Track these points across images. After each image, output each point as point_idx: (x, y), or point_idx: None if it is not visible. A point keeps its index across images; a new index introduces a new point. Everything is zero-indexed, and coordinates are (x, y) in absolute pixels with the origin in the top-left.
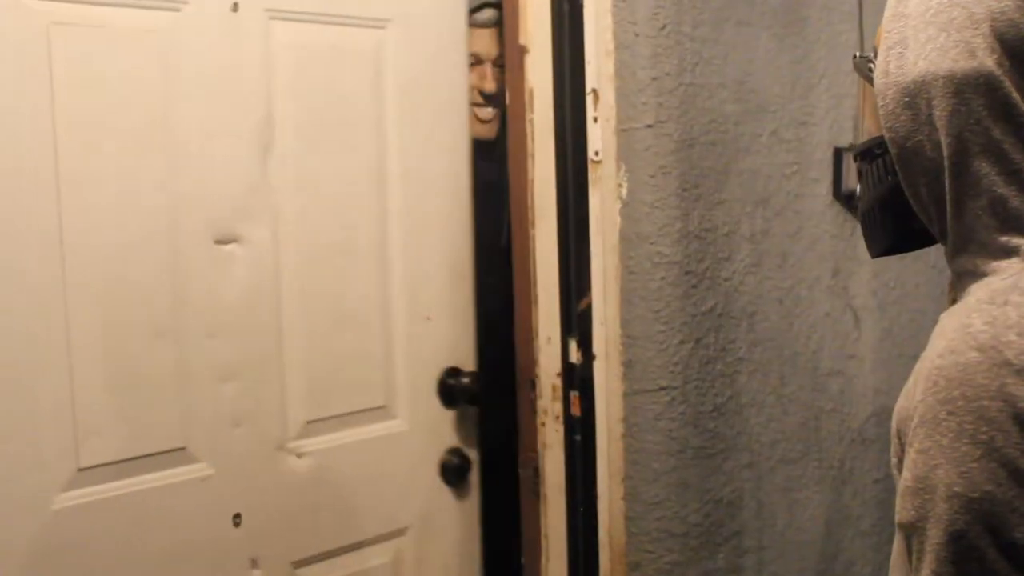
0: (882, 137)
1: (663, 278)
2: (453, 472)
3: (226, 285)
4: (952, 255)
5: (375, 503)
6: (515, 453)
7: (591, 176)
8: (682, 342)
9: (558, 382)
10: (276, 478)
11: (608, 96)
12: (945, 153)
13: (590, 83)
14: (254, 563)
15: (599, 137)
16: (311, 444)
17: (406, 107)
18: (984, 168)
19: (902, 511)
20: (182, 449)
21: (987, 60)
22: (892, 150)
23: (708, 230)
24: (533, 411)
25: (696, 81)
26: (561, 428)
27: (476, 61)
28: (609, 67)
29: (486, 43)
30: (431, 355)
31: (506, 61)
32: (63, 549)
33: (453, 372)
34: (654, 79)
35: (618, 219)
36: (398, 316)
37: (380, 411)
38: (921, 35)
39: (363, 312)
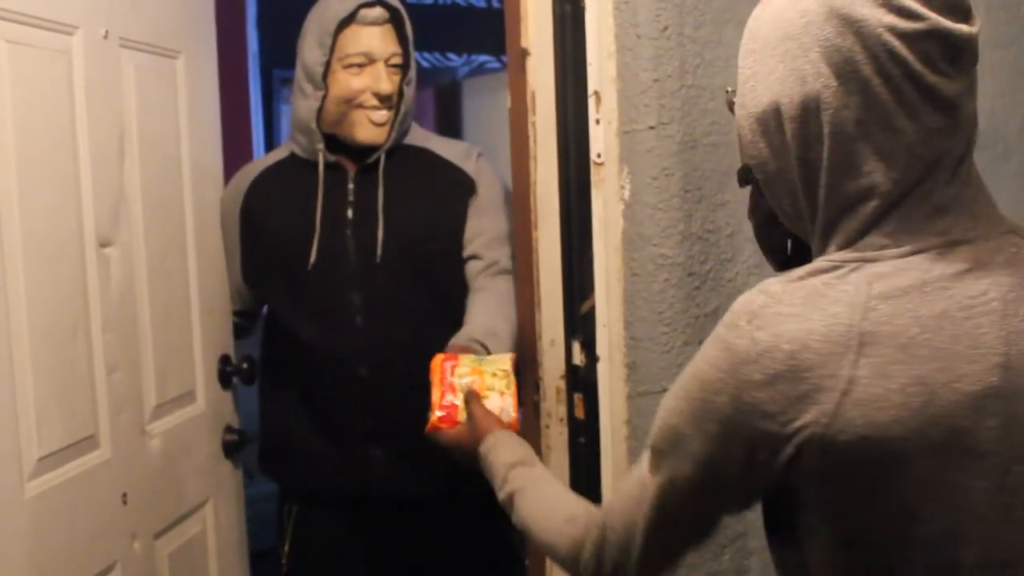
0: (747, 164)
1: (666, 280)
2: (231, 447)
3: (109, 284)
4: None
5: (189, 479)
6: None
7: (593, 178)
8: (685, 344)
9: (562, 384)
10: (143, 458)
11: (610, 98)
12: (796, 174)
13: (592, 85)
14: (134, 537)
15: (601, 139)
16: (158, 426)
17: (193, 124)
18: (822, 182)
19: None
20: (91, 436)
21: (815, 84)
22: (757, 175)
23: (711, 231)
24: (537, 414)
25: (698, 83)
26: (565, 431)
27: (368, 61)
28: (611, 69)
29: (377, 42)
30: (213, 343)
31: (508, 64)
32: (30, 536)
33: (225, 358)
34: (656, 81)
35: (621, 221)
36: (195, 309)
37: (189, 395)
38: (765, 68)
39: (179, 307)
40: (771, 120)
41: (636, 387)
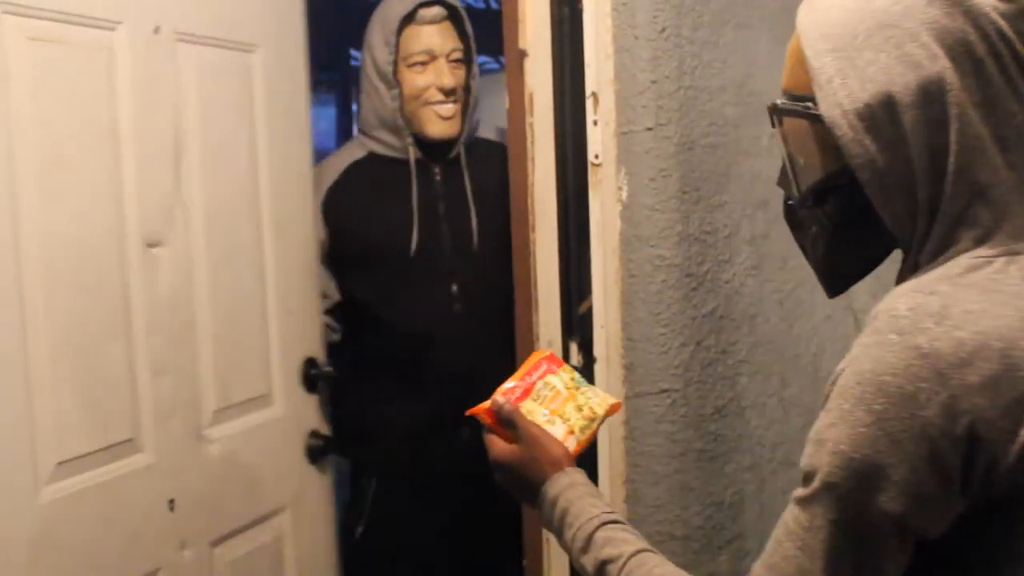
0: (838, 169)
1: (664, 281)
2: (316, 452)
3: (157, 285)
4: (927, 260)
5: (262, 485)
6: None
7: (591, 179)
8: (683, 344)
9: None
10: (198, 464)
11: (608, 99)
12: (918, 164)
13: (590, 86)
14: (183, 544)
15: (599, 140)
16: (219, 431)
17: (273, 121)
18: (950, 169)
19: (803, 458)
20: (130, 440)
21: (933, 67)
22: (862, 176)
23: (708, 233)
24: None
25: (696, 84)
26: None
27: (430, 58)
28: (609, 70)
29: (437, 39)
30: (295, 345)
31: (506, 65)
32: (37, 544)
33: (311, 361)
34: (654, 82)
35: (618, 222)
36: (272, 311)
37: (263, 399)
38: (860, 61)
39: (250, 308)
40: (880, 112)
41: (634, 388)
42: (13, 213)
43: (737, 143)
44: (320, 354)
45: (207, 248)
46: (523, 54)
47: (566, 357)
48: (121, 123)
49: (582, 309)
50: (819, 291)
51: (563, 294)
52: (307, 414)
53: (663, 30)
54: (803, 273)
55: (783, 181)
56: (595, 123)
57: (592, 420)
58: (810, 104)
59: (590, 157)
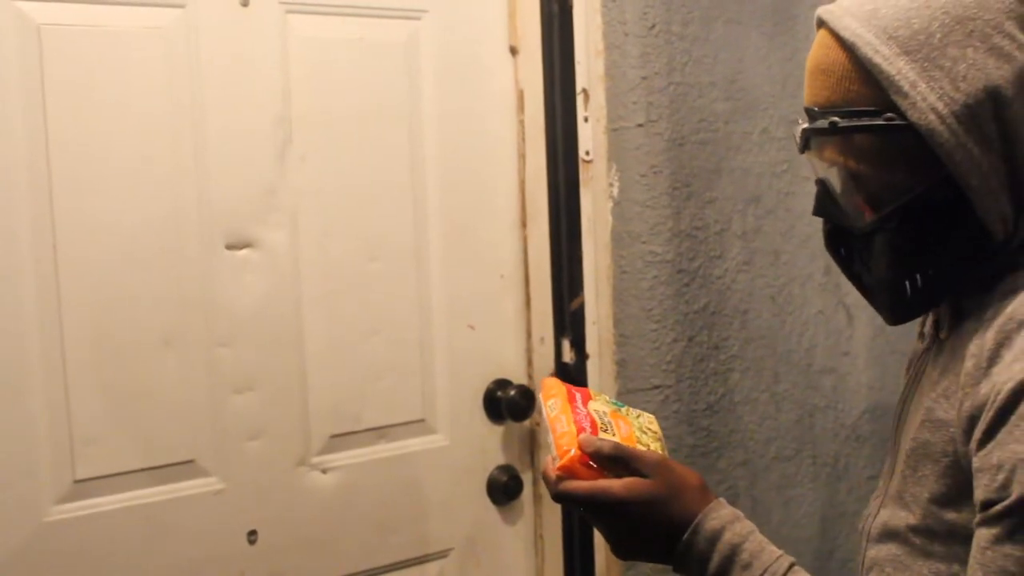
0: (938, 180)
1: (655, 277)
2: (501, 491)
3: (239, 292)
4: None
5: (412, 522)
6: None
7: (582, 176)
8: (675, 340)
9: None
10: (298, 494)
11: (598, 96)
12: (1022, 159)
13: (580, 83)
14: None
15: (590, 137)
16: (337, 459)
17: (446, 101)
18: None
19: (1016, 485)
20: (190, 462)
21: (1020, 55)
22: (968, 181)
23: (700, 228)
24: None
25: (686, 80)
26: None
27: None
28: (599, 67)
29: None
30: (475, 366)
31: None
32: (56, 563)
33: (502, 384)
34: (644, 78)
35: (610, 218)
36: (436, 325)
37: (417, 425)
38: (943, 61)
39: (397, 321)
40: (981, 110)
41: (626, 384)
42: (49, 211)
43: (727, 139)
44: (519, 376)
45: (325, 250)
46: (513, 51)
47: (558, 354)
48: (185, 114)
49: (574, 306)
50: (810, 286)
51: (555, 291)
52: (488, 446)
53: (653, 26)
54: (794, 268)
55: (833, 207)
56: (586, 119)
57: (659, 438)
58: (891, 115)
59: (581, 154)
